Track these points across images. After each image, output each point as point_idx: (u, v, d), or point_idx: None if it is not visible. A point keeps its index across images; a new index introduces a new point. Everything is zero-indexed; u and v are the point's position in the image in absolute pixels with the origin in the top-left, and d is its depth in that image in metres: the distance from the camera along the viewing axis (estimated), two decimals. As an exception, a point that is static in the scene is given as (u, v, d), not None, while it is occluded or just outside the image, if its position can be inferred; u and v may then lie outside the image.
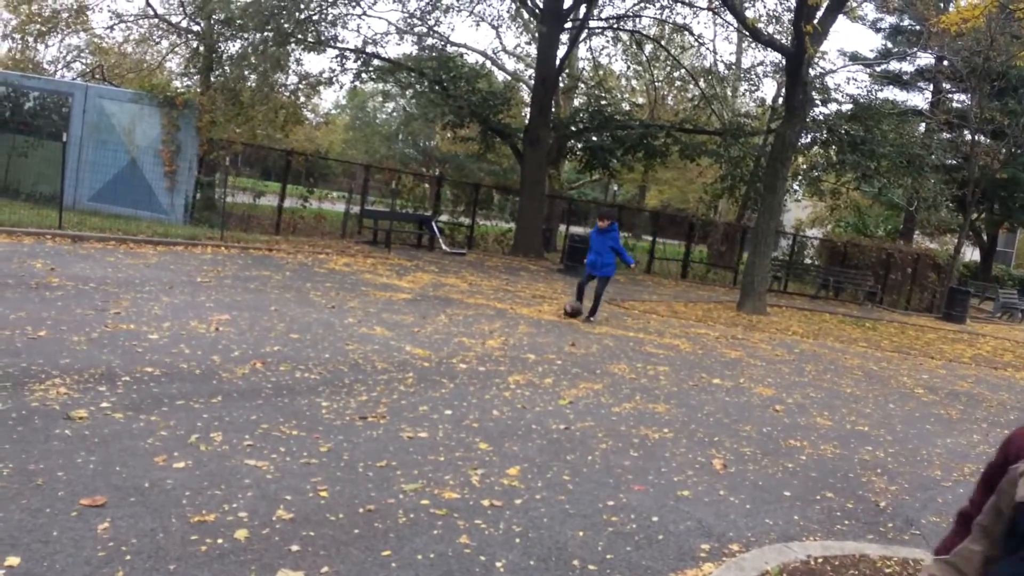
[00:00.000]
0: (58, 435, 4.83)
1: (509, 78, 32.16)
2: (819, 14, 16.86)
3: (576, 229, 26.22)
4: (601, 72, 30.93)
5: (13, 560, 3.39)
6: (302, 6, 20.94)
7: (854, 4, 23.18)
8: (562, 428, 6.54)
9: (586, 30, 26.34)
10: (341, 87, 46.80)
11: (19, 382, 5.66)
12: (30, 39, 28.55)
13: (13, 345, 6.56)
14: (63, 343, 6.85)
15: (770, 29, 23.46)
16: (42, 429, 4.88)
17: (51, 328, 7.27)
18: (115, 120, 17.69)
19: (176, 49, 30.34)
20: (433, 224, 22.63)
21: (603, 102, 27.73)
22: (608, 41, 29.84)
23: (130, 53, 31.58)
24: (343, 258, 16.52)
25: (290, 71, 24.91)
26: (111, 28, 31.66)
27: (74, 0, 27.54)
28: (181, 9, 27.18)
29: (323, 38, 22.74)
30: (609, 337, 11.48)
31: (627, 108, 30.83)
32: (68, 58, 31.97)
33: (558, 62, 24.56)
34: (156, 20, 27.96)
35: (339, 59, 24.18)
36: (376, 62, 24.83)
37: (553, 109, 26.05)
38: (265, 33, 20.77)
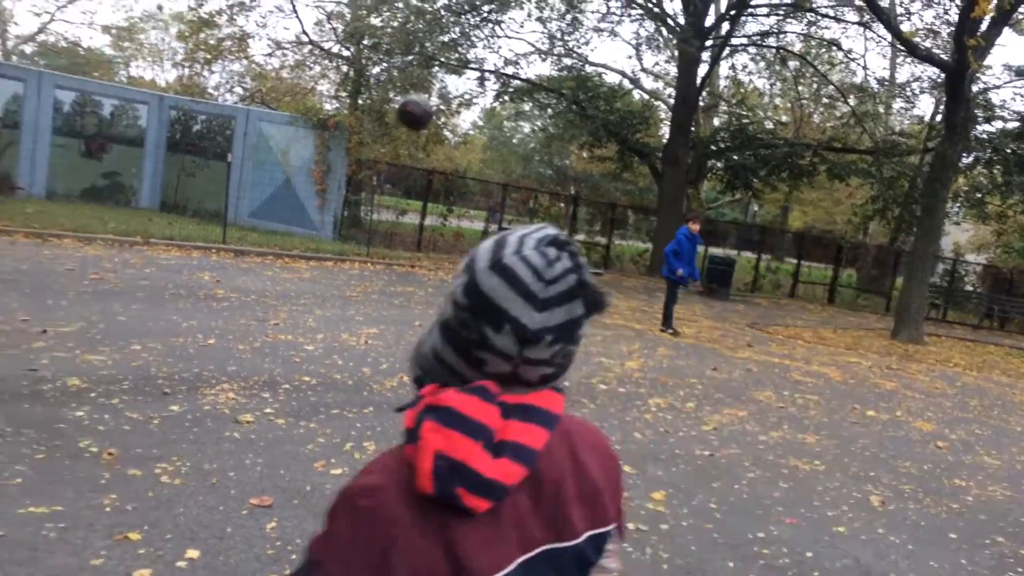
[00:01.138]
0: (228, 437, 5.13)
1: (647, 97, 31.98)
2: (982, 27, 15.90)
3: (715, 250, 25.68)
4: (743, 90, 30.27)
5: (193, 553, 3.62)
6: (445, 29, 21.61)
7: (1021, 16, 21.70)
8: (706, 454, 6.39)
9: (728, 47, 25.88)
10: (481, 108, 47.84)
11: (193, 386, 6.07)
12: (198, 66, 30.74)
13: (187, 352, 7.04)
14: (230, 351, 7.29)
15: (927, 43, 22.31)
16: (214, 431, 5.21)
17: (219, 337, 7.76)
18: (272, 142, 18.77)
19: (327, 73, 31.90)
20: (569, 243, 22.67)
21: (745, 120, 27.12)
22: (751, 58, 29.20)
23: (286, 78, 33.46)
24: (482, 275, 16.81)
25: (433, 92, 25.74)
26: (270, 55, 33.63)
27: (237, 29, 29.46)
28: (333, 35, 28.57)
29: (465, 60, 23.36)
30: (752, 362, 11.14)
31: (770, 126, 30.00)
32: (230, 83, 34.22)
33: (699, 80, 24.23)
34: (310, 46, 29.51)
35: (479, 80, 24.77)
36: (515, 83, 25.27)
37: (693, 128, 25.69)
38: (409, 56, 21.57)
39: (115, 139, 19.42)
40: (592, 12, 25.12)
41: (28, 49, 36.51)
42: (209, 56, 29.31)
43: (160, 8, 32.77)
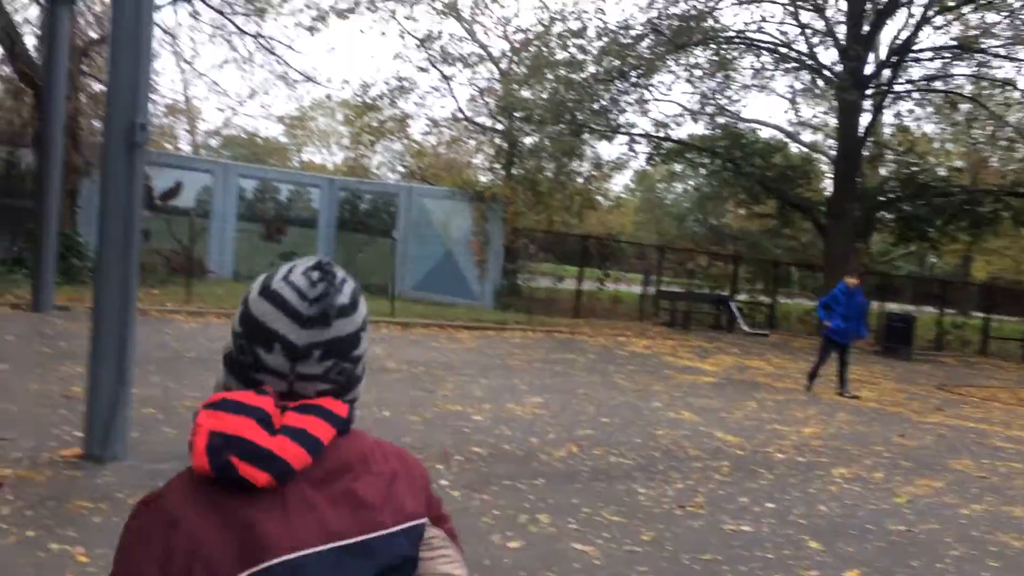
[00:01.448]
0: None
1: (806, 150, 31.05)
2: None
3: (892, 306, 24.26)
4: (910, 137, 28.82)
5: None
6: (595, 98, 21.96)
7: None
8: (902, 529, 5.93)
9: (891, 95, 24.80)
10: (633, 171, 48.02)
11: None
12: (362, 148, 32.71)
13: (364, 424, 7.28)
14: (404, 423, 7.52)
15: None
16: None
17: (392, 408, 8.03)
18: (433, 216, 19.57)
19: (482, 147, 33.11)
20: (731, 304, 22.13)
21: (915, 168, 25.74)
22: (916, 103, 27.85)
23: (443, 153, 34.99)
24: (642, 340, 16.64)
25: (584, 159, 26.12)
26: (428, 133, 35.32)
27: (398, 111, 31.18)
28: (486, 110, 29.68)
29: (615, 126, 23.60)
30: (944, 427, 10.33)
31: (944, 173, 28.32)
32: (392, 162, 36.17)
33: (861, 130, 23.31)
34: (465, 122, 30.76)
35: (630, 144, 24.90)
36: (666, 144, 25.22)
37: (858, 179, 24.64)
38: (560, 125, 22.04)
39: (291, 221, 20.83)
40: (744, 69, 24.81)
41: (213, 142, 40.15)
42: (373, 138, 31.13)
43: (328, 97, 35.18)
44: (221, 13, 19.78)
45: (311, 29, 22.29)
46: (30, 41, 16.18)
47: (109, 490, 5.06)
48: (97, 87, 17.00)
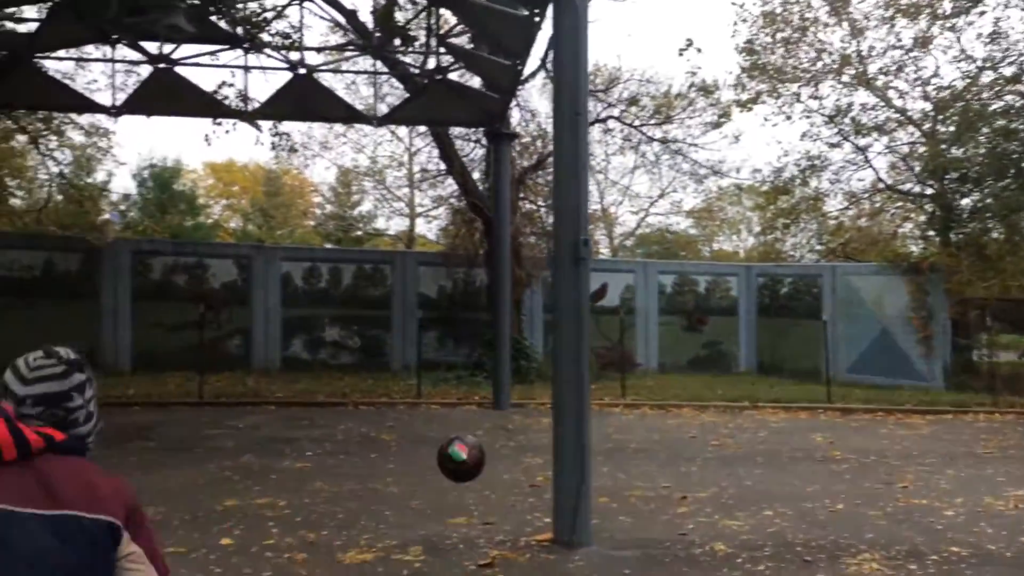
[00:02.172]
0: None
1: None
2: None
3: None
4: None
5: None
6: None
7: None
8: None
9: None
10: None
11: (832, 554, 5.88)
12: (777, 232, 32.09)
13: (817, 517, 6.91)
14: (862, 517, 6.95)
15: None
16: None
17: (846, 501, 7.48)
18: (862, 293, 18.33)
19: (909, 215, 30.47)
20: None
21: None
22: None
23: (864, 227, 32.86)
24: None
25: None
26: (846, 208, 33.55)
27: (811, 190, 30.16)
28: (912, 175, 27.39)
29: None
30: None
31: None
32: (808, 243, 34.87)
33: None
34: (888, 192, 28.67)
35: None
36: None
37: None
38: (1005, 180, 19.48)
39: (711, 311, 21.00)
40: None
41: (629, 243, 42.51)
42: (787, 221, 30.39)
43: (739, 188, 35.35)
44: (631, 126, 21.17)
45: (715, 125, 22.79)
46: (475, 175, 18.84)
47: (582, 575, 5.38)
48: (527, 207, 19.15)
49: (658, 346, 20.56)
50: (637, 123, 21.15)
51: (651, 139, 22.05)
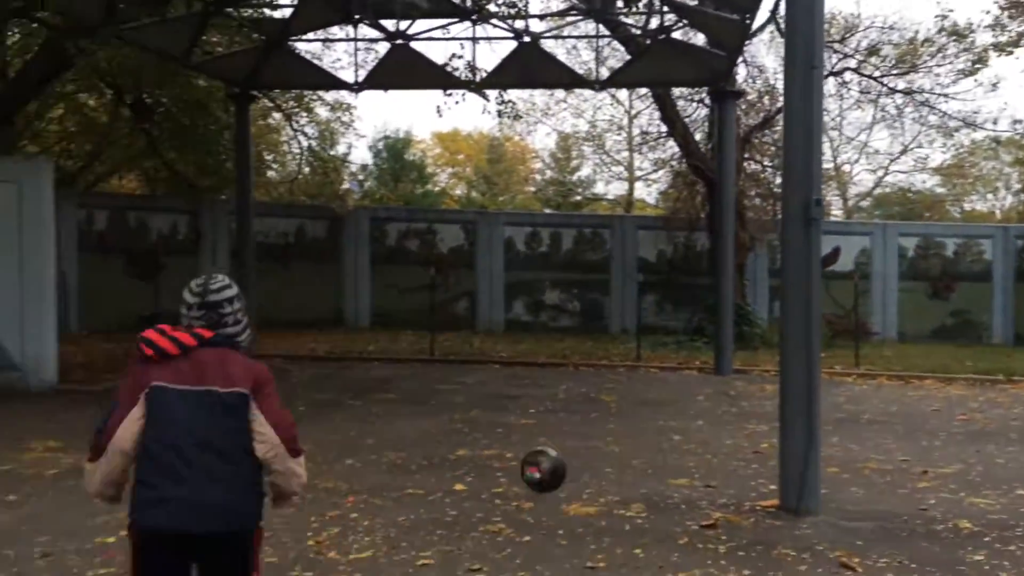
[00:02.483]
0: None
1: None
2: None
3: None
4: None
5: None
6: None
7: None
8: None
9: None
10: None
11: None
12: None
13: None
14: None
15: None
16: None
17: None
18: None
19: None
20: None
21: None
22: None
23: None
24: None
25: None
26: None
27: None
28: None
29: None
30: None
31: None
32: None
33: None
34: None
35: None
36: None
37: None
38: None
39: (960, 277, 19.25)
40: None
41: (864, 204, 39.63)
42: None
43: (996, 141, 31.88)
44: (870, 77, 19.65)
45: (968, 73, 20.59)
46: (697, 136, 18.35)
47: (810, 542, 5.23)
48: (752, 167, 18.40)
49: (897, 314, 19.21)
50: (877, 74, 19.61)
51: (893, 91, 20.37)
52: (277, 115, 21.55)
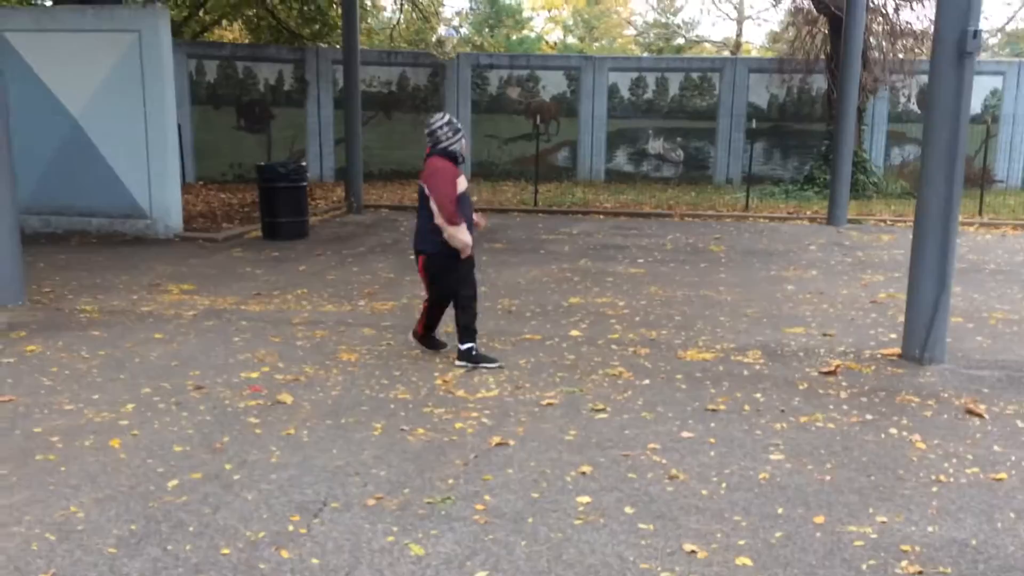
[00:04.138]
0: None
1: None
2: None
3: None
4: None
5: None
6: None
7: None
8: None
9: None
10: None
11: None
12: None
13: None
14: None
15: None
16: None
17: None
18: None
19: None
20: None
21: None
22: None
23: None
24: None
25: None
26: None
27: None
28: None
29: None
30: None
31: None
32: None
33: None
34: None
35: None
36: None
37: None
38: None
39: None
40: None
41: (992, 41, 36.44)
42: None
43: None
44: None
45: None
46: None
47: (934, 389, 5.17)
48: (876, 2, 17.00)
49: (1024, 161, 18.05)
50: None
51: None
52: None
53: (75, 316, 6.88)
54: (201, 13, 20.75)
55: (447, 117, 5.56)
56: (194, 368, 5.49)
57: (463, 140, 5.58)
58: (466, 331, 5.58)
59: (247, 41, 21.79)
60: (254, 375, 5.33)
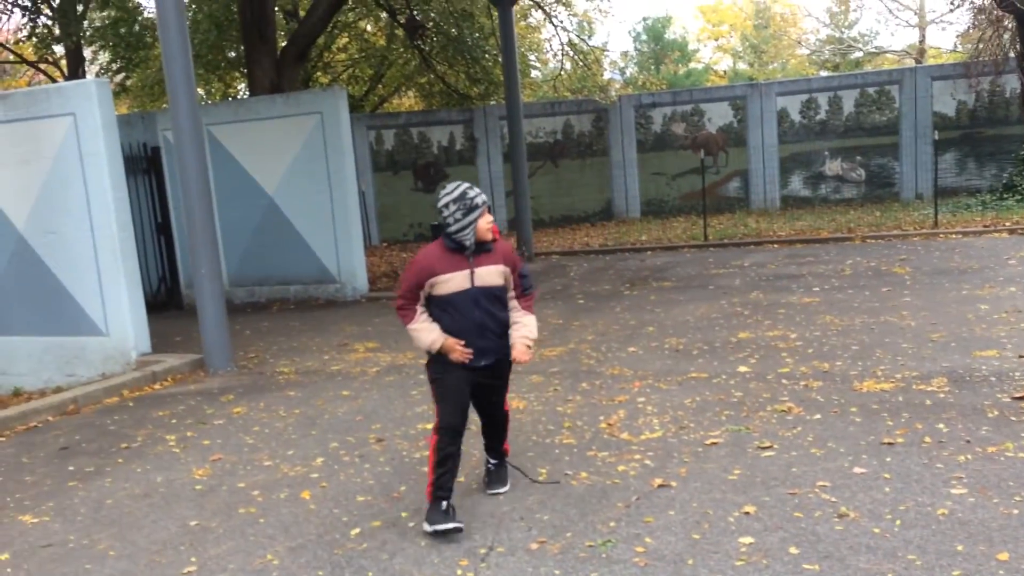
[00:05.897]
0: None
1: None
2: None
3: None
4: None
5: None
6: None
7: None
8: None
9: None
10: None
11: None
12: None
13: None
14: None
15: None
16: None
17: None
18: None
19: None
20: None
21: None
22: None
23: None
24: None
25: None
26: None
27: None
28: None
29: None
30: None
31: None
32: None
33: None
34: None
35: None
36: None
37: None
38: None
39: None
40: None
41: None
42: None
43: None
44: None
45: None
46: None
47: None
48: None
49: None
50: None
51: None
52: (537, 13, 21.79)
53: (275, 378, 7.57)
54: (380, 87, 22.30)
55: (461, 189, 3.94)
56: (376, 422, 5.89)
57: (483, 220, 3.94)
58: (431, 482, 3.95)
59: (421, 108, 23.14)
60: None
